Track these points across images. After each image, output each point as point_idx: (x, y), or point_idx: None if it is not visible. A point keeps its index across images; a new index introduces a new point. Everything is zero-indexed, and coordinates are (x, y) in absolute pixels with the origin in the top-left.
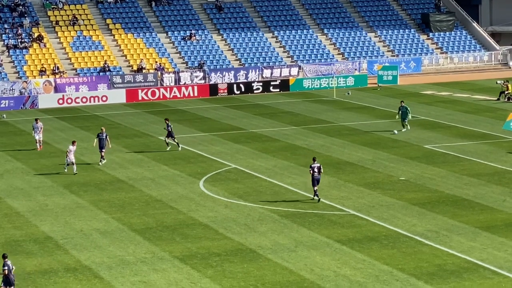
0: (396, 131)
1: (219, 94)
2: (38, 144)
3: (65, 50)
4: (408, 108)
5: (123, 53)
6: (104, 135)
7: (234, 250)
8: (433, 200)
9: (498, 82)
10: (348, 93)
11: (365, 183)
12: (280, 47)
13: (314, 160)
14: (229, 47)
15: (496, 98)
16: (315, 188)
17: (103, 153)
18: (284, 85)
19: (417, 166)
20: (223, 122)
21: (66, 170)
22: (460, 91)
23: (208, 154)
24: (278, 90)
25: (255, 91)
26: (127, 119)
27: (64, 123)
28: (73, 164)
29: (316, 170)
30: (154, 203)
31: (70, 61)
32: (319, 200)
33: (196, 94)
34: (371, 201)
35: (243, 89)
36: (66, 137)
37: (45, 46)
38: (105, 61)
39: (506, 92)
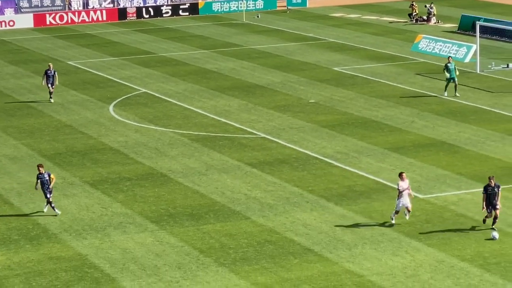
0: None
1: (128, 18)
2: None
3: None
4: (455, 66)
5: None
6: (52, 71)
7: (145, 175)
8: (342, 122)
9: (426, 5)
10: (258, 16)
11: (275, 106)
12: None
13: (490, 179)
14: None
15: (404, 20)
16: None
17: (52, 89)
18: (193, 8)
19: (327, 89)
20: (132, 46)
21: (393, 221)
22: (369, 13)
23: (118, 78)
24: (187, 13)
25: (164, 15)
26: (35, 44)
27: None
28: (408, 211)
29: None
30: (64, 129)
31: None
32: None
33: (104, 18)
34: (281, 123)
35: (152, 13)
36: None
37: None
38: None
39: (414, 14)
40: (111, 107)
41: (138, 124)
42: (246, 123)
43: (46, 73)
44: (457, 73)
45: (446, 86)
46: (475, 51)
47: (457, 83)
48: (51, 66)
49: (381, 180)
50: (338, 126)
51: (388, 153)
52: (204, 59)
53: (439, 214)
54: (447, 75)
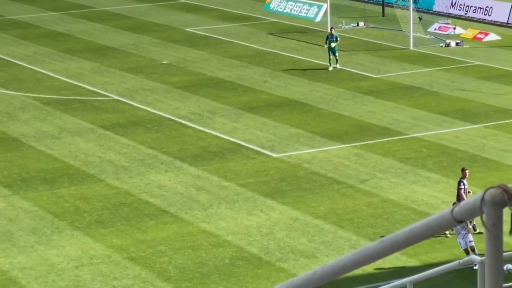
0: (331, 68)
1: None
2: None
3: None
4: (338, 37)
5: None
6: None
7: None
8: (196, 82)
9: None
10: None
11: (128, 68)
12: None
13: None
14: None
15: None
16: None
17: None
18: None
19: (180, 50)
20: None
21: (476, 250)
22: None
23: None
24: None
25: None
26: None
27: None
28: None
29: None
30: None
31: None
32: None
33: None
34: (134, 85)
35: None
36: None
37: None
38: None
39: None
40: None
41: None
42: (99, 86)
43: None
44: (337, 47)
45: (329, 58)
46: (326, 10)
47: (337, 55)
48: None
49: (235, 140)
50: (191, 87)
51: (242, 113)
52: (54, 21)
53: (293, 172)
54: (326, 47)
